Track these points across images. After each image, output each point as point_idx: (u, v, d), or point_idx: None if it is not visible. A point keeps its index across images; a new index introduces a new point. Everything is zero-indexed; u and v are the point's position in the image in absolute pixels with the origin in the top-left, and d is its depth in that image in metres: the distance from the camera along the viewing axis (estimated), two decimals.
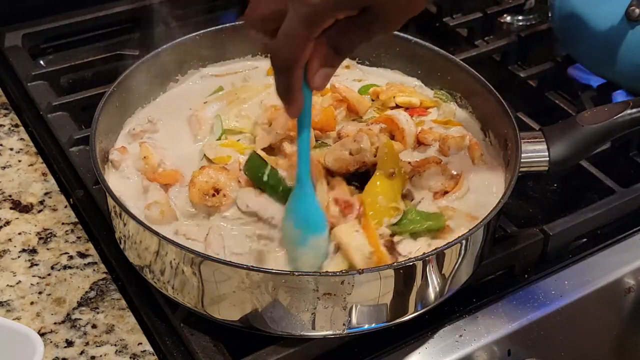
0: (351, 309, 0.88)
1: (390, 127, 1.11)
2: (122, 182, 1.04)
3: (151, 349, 0.94)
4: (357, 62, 1.26)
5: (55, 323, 0.96)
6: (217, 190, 0.99)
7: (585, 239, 1.13)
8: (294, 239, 0.93)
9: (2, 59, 1.39)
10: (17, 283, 1.01)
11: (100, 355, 0.93)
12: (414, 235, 0.97)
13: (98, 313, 0.98)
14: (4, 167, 1.18)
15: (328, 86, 1.07)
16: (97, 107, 1.03)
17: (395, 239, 0.96)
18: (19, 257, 1.04)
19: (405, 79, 1.24)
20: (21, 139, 1.24)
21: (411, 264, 0.88)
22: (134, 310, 0.99)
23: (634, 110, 1.03)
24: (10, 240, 1.07)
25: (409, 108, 1.16)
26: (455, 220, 0.99)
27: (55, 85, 1.32)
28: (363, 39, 0.84)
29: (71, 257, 1.05)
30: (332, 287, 0.86)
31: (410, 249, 0.95)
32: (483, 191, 1.04)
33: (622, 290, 1.08)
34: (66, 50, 1.48)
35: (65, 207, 1.12)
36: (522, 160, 0.99)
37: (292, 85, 0.83)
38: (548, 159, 1.02)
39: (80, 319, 0.97)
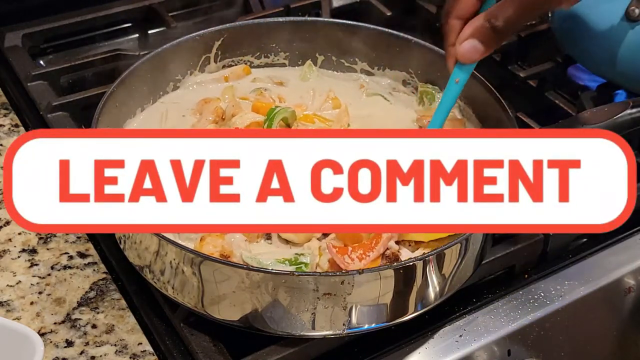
0: (351, 309, 0.88)
1: None
2: None
3: (151, 349, 0.94)
4: (359, 61, 1.27)
5: (55, 323, 0.96)
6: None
7: (585, 239, 1.13)
8: None
9: (2, 59, 1.39)
10: (17, 283, 1.01)
11: (100, 355, 0.93)
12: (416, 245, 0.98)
13: (98, 313, 0.98)
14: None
15: None
16: (97, 107, 1.03)
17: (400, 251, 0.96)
18: (19, 257, 1.04)
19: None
20: None
21: (411, 264, 0.88)
22: (134, 310, 0.99)
23: (634, 110, 1.03)
24: (10, 240, 1.07)
25: None
26: None
27: (55, 85, 1.32)
28: (522, 17, 0.83)
29: (71, 257, 1.05)
30: (332, 287, 0.85)
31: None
32: None
33: (622, 290, 1.08)
34: (66, 50, 1.48)
35: None
36: None
37: (445, 34, 0.93)
38: None
39: (80, 319, 0.97)
